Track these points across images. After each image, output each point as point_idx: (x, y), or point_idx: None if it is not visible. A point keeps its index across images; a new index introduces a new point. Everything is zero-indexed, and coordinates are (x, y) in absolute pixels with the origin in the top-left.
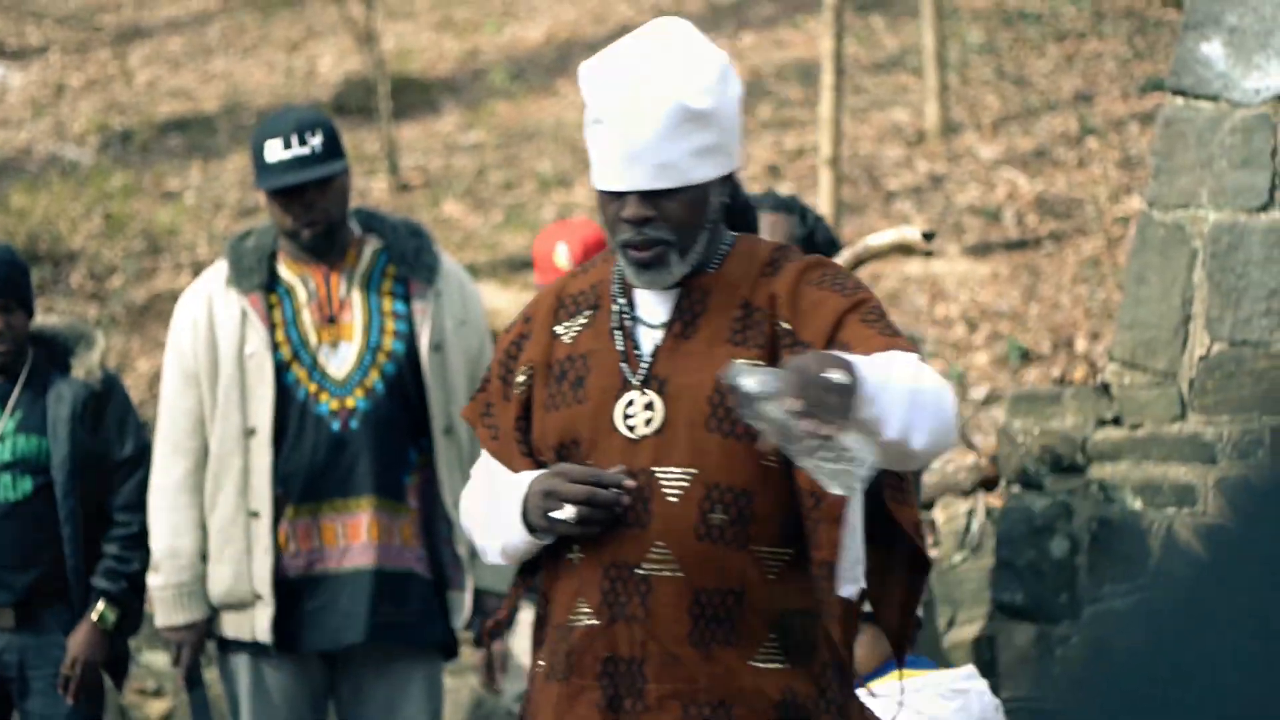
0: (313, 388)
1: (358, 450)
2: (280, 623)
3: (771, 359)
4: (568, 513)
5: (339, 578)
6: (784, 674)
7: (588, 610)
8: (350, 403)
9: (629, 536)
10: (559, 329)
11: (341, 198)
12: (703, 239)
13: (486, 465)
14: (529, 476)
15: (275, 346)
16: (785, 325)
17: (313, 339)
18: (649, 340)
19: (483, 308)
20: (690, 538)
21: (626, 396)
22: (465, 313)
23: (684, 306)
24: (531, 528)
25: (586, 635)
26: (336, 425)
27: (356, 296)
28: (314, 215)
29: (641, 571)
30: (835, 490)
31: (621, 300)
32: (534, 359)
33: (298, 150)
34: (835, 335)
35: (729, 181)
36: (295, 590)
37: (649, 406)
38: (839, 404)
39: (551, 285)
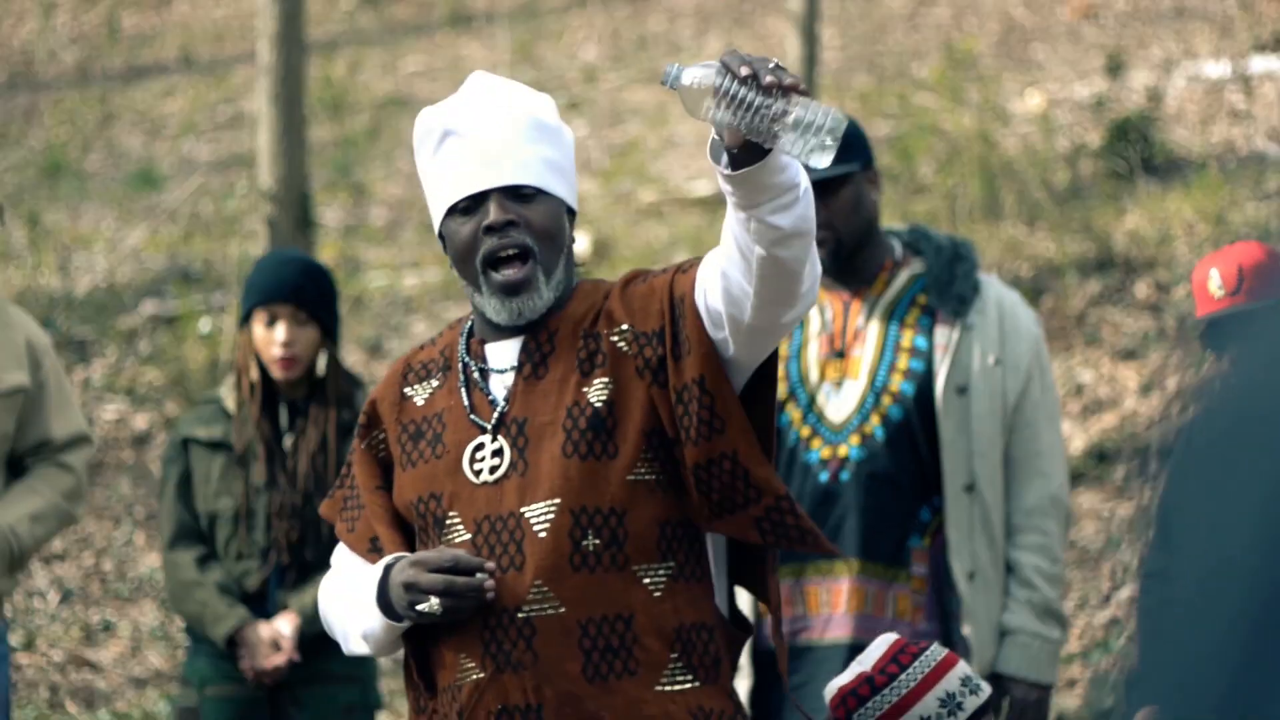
0: (805, 431)
1: (846, 505)
2: (759, 697)
3: (616, 375)
4: (432, 605)
5: (819, 650)
6: (694, 693)
7: (471, 665)
8: (843, 451)
9: (505, 582)
10: (408, 390)
11: (852, 209)
12: (561, 266)
13: (344, 554)
14: (383, 563)
15: None
16: (623, 327)
17: (814, 376)
18: (501, 387)
19: (1036, 343)
20: (566, 570)
21: (475, 442)
22: (1003, 350)
23: (531, 349)
24: (395, 615)
25: (474, 690)
26: (825, 476)
27: (874, 328)
28: (816, 228)
29: (523, 614)
30: (819, 162)
31: (466, 357)
32: (386, 422)
33: None
34: (674, 299)
35: (571, 225)
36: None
37: (497, 453)
38: (785, 70)
39: (399, 359)
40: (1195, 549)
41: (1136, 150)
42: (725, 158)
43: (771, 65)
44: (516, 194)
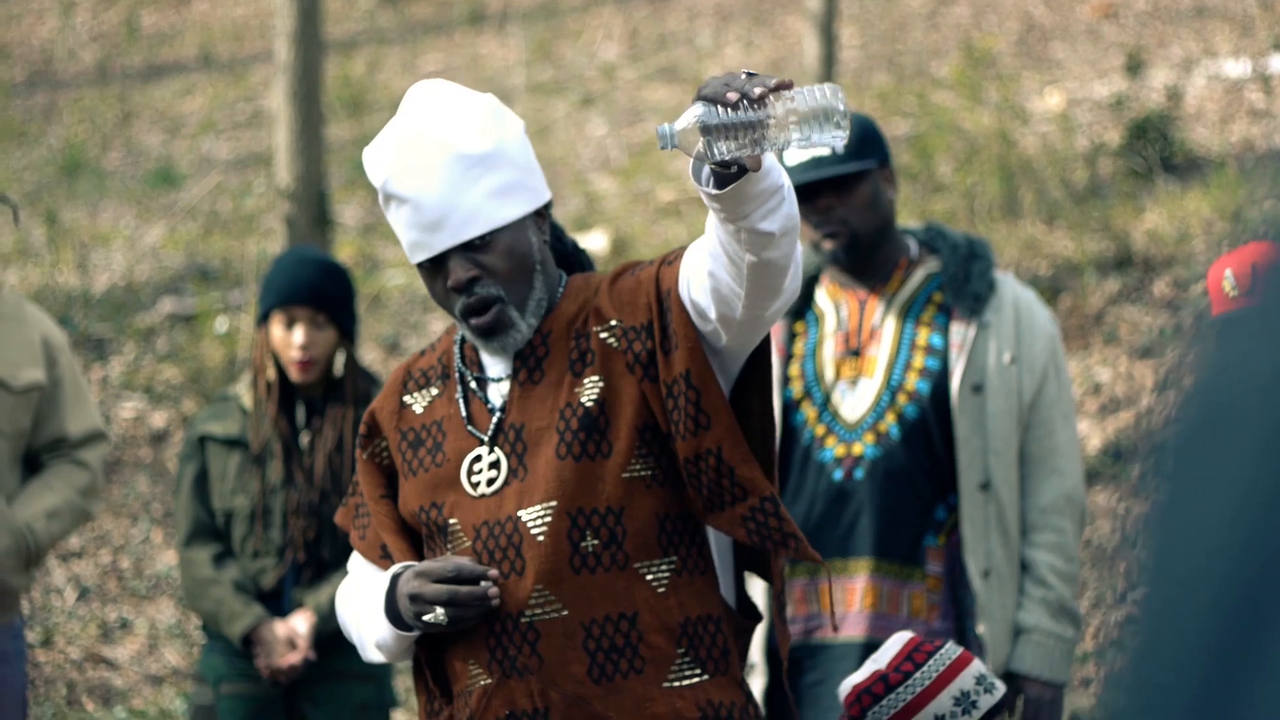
0: (820, 430)
1: (860, 504)
2: (774, 695)
3: (606, 372)
4: (438, 615)
5: (834, 648)
6: (702, 687)
7: (479, 671)
8: (858, 449)
9: (507, 587)
10: (407, 398)
11: (868, 206)
12: (538, 285)
13: (359, 561)
14: (390, 573)
15: (786, 381)
16: (612, 323)
17: (829, 374)
18: (498, 395)
19: (1052, 341)
20: (566, 572)
21: (473, 454)
22: (1019, 348)
23: (526, 355)
24: (404, 625)
25: (482, 695)
26: (839, 474)
27: (890, 326)
28: (831, 224)
29: (526, 619)
30: (840, 141)
31: (462, 365)
32: (385, 430)
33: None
34: (660, 292)
35: (546, 220)
36: (792, 660)
37: (494, 464)
38: (761, 75)
39: (399, 366)
40: (1167, 552)
41: (1155, 149)
42: (706, 176)
43: (744, 76)
44: (471, 245)
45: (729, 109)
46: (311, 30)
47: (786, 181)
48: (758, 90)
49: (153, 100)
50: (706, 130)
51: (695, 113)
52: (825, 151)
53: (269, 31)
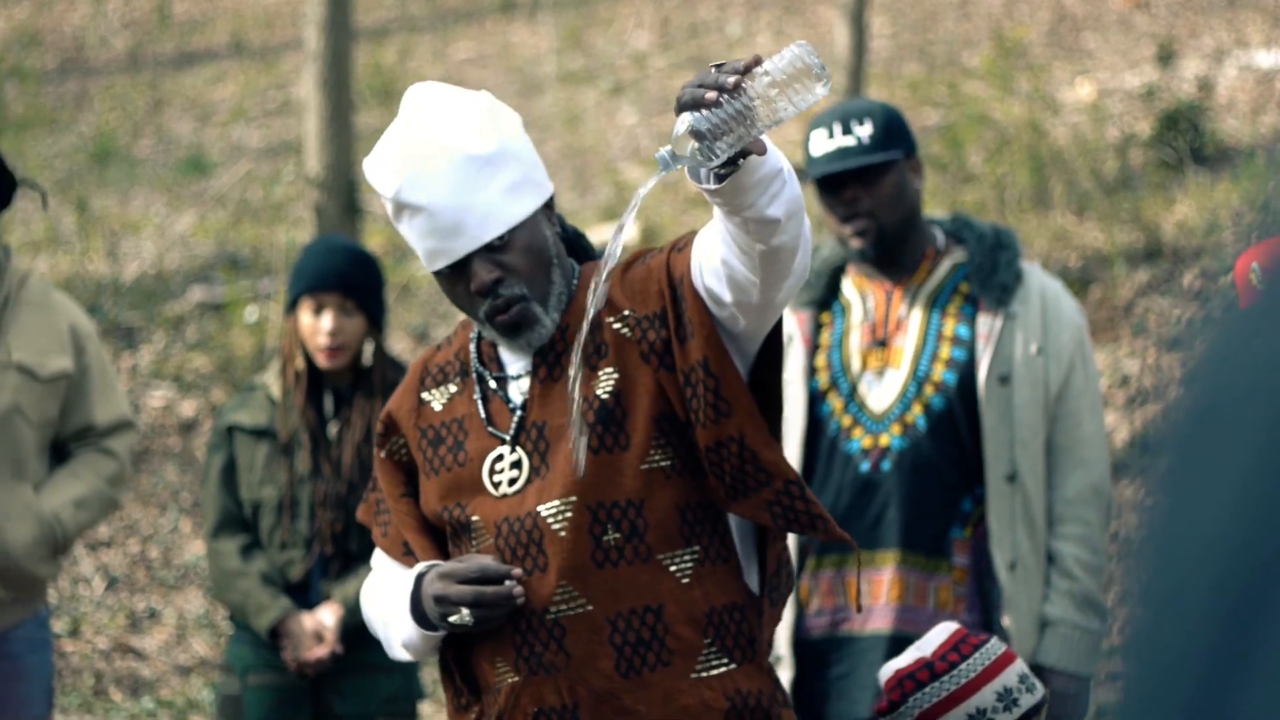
0: (846, 421)
1: (887, 495)
2: (801, 687)
3: (621, 363)
4: (464, 616)
5: (861, 641)
6: (730, 676)
7: (506, 668)
8: (885, 440)
9: (531, 584)
10: (425, 395)
11: (894, 197)
12: (557, 278)
13: (382, 557)
14: (415, 572)
15: (813, 372)
16: (625, 312)
17: (855, 365)
18: (518, 393)
19: (1079, 332)
20: (589, 567)
21: (494, 453)
22: (1046, 339)
23: (545, 350)
24: (430, 625)
25: (510, 693)
26: (866, 465)
27: (916, 317)
28: (858, 215)
29: (551, 615)
30: (824, 90)
31: (480, 365)
32: (404, 428)
33: (840, 141)
34: (673, 279)
35: (553, 212)
36: (818, 653)
37: (516, 464)
38: (727, 63)
39: (416, 361)
40: (1164, 549)
41: (1186, 140)
42: (705, 173)
43: (714, 68)
44: (491, 246)
45: (713, 108)
46: (342, 18)
47: (785, 164)
48: (731, 79)
49: (183, 88)
50: (700, 136)
51: (684, 124)
52: (851, 141)
53: (300, 19)
